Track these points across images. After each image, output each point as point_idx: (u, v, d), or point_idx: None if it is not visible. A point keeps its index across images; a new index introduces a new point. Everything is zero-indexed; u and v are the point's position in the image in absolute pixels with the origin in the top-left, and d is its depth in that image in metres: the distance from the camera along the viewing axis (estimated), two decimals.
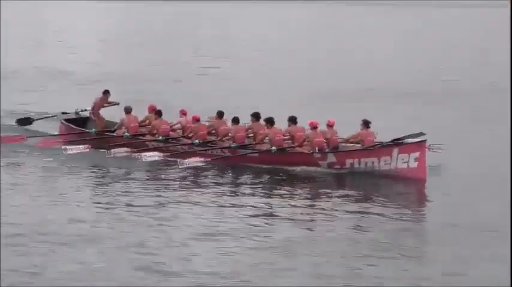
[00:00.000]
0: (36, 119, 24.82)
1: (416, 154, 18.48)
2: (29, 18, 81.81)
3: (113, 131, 22.33)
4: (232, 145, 20.22)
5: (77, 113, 24.17)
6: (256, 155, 20.03)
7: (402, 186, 18.54)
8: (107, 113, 23.67)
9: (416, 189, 18.63)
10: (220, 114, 21.31)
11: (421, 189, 18.52)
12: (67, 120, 23.66)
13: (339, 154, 19.35)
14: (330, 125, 19.87)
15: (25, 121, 24.74)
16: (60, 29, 68.68)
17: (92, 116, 23.39)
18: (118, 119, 22.64)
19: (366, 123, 19.61)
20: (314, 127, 19.65)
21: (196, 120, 21.20)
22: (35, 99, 30.76)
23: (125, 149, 20.94)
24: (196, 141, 20.72)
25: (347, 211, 16.44)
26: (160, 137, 21.28)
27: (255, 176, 19.52)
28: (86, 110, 24.15)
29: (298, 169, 19.58)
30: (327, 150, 19.52)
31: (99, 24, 78.19)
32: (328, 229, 15.26)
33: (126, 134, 21.77)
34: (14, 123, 24.63)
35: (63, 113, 24.21)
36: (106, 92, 23.58)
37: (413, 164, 18.52)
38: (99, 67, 42.47)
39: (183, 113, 21.93)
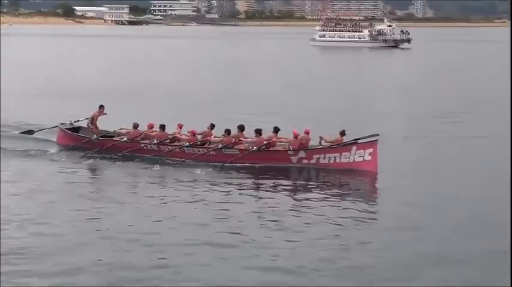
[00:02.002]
0: (37, 131, 28.71)
1: (370, 150, 23.28)
2: None
3: (112, 137, 26.50)
4: (219, 147, 24.66)
5: (71, 123, 28.20)
6: (238, 152, 24.12)
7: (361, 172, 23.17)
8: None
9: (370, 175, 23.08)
10: (212, 127, 25.47)
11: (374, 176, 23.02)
12: (66, 129, 27.77)
13: (308, 150, 23.87)
14: (306, 133, 23.95)
15: (27, 133, 28.58)
16: None
17: (90, 125, 27.41)
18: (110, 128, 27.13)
19: (343, 133, 23.86)
20: (296, 136, 23.91)
21: (193, 134, 25.18)
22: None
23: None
24: (187, 143, 25.12)
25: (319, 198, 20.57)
26: (155, 141, 25.63)
27: (238, 172, 23.40)
28: (78, 120, 28.24)
29: (274, 164, 23.67)
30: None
31: None
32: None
33: (125, 139, 26.03)
34: (18, 134, 28.41)
35: (62, 123, 28.19)
36: (101, 107, 27.73)
37: (368, 158, 23.36)
38: None
39: (180, 126, 25.97)
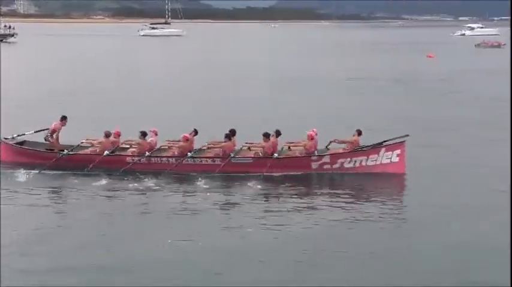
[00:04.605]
0: None
1: (398, 151, 22.69)
2: None
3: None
4: (232, 155, 22.38)
5: (13, 137, 24.08)
6: (250, 161, 22.36)
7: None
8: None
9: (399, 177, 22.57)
10: (196, 132, 23.33)
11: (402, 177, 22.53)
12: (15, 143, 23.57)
13: (333, 155, 22.70)
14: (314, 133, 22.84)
15: None
16: None
17: (50, 139, 23.54)
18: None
19: (360, 132, 23.18)
20: (312, 138, 22.68)
21: (186, 139, 22.80)
22: None
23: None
24: (190, 153, 22.48)
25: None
26: (147, 153, 22.59)
27: (257, 180, 21.37)
28: (23, 134, 24.15)
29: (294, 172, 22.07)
30: (316, 153, 22.65)
31: None
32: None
33: (106, 152, 22.56)
34: None
35: (5, 138, 23.81)
36: (64, 118, 23.88)
37: (395, 159, 22.73)
38: None
39: (155, 133, 23.40)
